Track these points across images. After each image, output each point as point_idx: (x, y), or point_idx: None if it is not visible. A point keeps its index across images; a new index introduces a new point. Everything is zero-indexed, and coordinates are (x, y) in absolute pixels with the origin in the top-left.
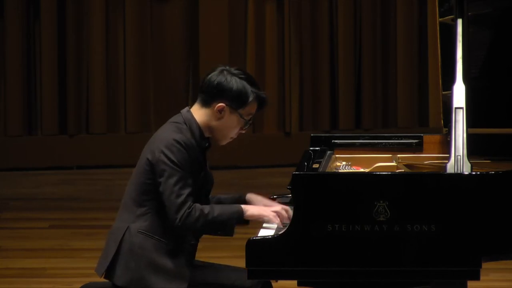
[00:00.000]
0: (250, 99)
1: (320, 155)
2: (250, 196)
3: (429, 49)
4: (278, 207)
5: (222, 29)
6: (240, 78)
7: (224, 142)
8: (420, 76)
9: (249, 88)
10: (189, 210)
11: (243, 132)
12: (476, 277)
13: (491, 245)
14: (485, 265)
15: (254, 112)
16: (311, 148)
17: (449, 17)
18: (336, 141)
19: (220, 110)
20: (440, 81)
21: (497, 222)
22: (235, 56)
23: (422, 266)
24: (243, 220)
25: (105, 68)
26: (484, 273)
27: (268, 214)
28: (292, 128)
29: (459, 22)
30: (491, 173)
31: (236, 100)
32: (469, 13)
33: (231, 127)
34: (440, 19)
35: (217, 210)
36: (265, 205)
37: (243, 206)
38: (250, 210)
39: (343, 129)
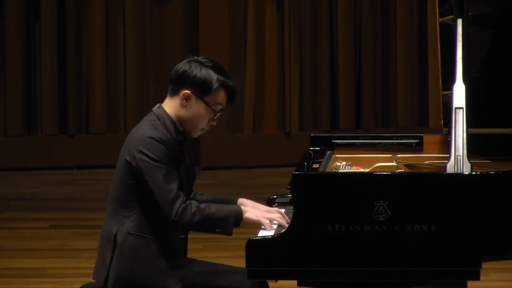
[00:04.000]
0: (215, 86)
1: (320, 155)
2: (242, 201)
3: (429, 49)
4: (276, 214)
5: (222, 29)
6: (206, 66)
7: (195, 134)
8: (420, 76)
9: (214, 76)
10: (185, 205)
11: (214, 124)
12: (476, 277)
13: (491, 245)
14: (485, 265)
15: (224, 103)
16: (311, 148)
17: (449, 17)
18: (336, 141)
19: (186, 98)
20: (440, 81)
21: (497, 222)
22: (235, 56)
23: (422, 266)
24: (238, 223)
25: (105, 68)
26: (484, 273)
27: (265, 224)
28: (292, 128)
29: (459, 22)
30: (491, 173)
31: (200, 87)
32: (469, 13)
33: (199, 116)
34: (440, 19)
35: (214, 207)
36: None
37: (242, 207)
38: (249, 213)
39: (343, 129)
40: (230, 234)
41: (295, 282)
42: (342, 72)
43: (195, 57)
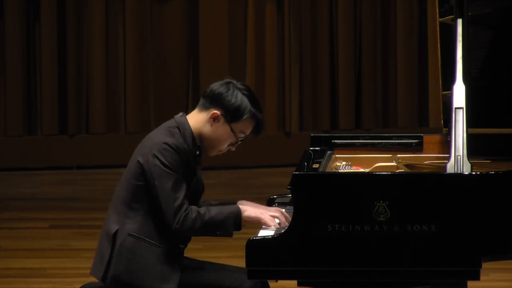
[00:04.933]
0: (245, 116)
1: (320, 155)
2: (241, 203)
3: (429, 49)
4: (276, 212)
5: (222, 29)
6: (243, 93)
7: (212, 153)
8: (420, 76)
9: (248, 106)
10: (186, 213)
11: (232, 149)
12: (476, 277)
13: (491, 245)
14: (485, 265)
15: (248, 133)
16: (311, 148)
17: (449, 17)
18: (336, 141)
19: (214, 118)
20: (440, 81)
21: (497, 222)
22: (235, 56)
23: (422, 266)
24: (238, 223)
25: (105, 68)
26: (484, 273)
27: (265, 218)
28: (292, 128)
29: (459, 22)
30: (491, 173)
31: (232, 112)
32: (469, 13)
33: (221, 139)
34: (440, 19)
35: (213, 210)
36: None
37: (241, 206)
38: (247, 211)
39: (343, 129)
40: (230, 235)
41: (295, 282)
42: (342, 72)
43: (234, 81)
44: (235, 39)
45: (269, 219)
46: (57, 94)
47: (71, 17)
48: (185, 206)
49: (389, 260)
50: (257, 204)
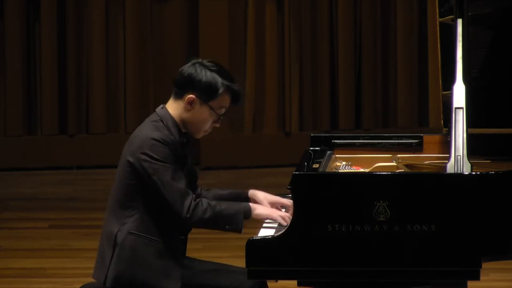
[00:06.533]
0: (220, 91)
1: (320, 155)
2: (253, 192)
3: (429, 49)
4: (284, 213)
5: (222, 29)
6: (211, 70)
7: (198, 136)
8: (420, 76)
9: (219, 80)
10: (196, 202)
11: (217, 126)
12: (476, 277)
13: (491, 245)
14: (485, 265)
15: (228, 106)
16: (311, 148)
17: (449, 17)
18: (336, 141)
19: (190, 102)
20: (440, 81)
21: (497, 222)
22: (235, 56)
23: (422, 266)
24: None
25: (105, 68)
26: (484, 273)
27: (276, 217)
28: (292, 128)
29: (459, 22)
30: (491, 173)
31: (205, 92)
32: (469, 13)
33: (203, 120)
34: (440, 19)
35: (224, 204)
36: (270, 202)
37: (251, 204)
38: (258, 209)
39: (343, 129)
40: (240, 231)
41: (295, 282)
42: (342, 72)
43: (200, 60)
44: (235, 39)
45: (280, 218)
46: (57, 94)
47: (71, 17)
48: (191, 195)
49: (389, 260)
50: (267, 195)
